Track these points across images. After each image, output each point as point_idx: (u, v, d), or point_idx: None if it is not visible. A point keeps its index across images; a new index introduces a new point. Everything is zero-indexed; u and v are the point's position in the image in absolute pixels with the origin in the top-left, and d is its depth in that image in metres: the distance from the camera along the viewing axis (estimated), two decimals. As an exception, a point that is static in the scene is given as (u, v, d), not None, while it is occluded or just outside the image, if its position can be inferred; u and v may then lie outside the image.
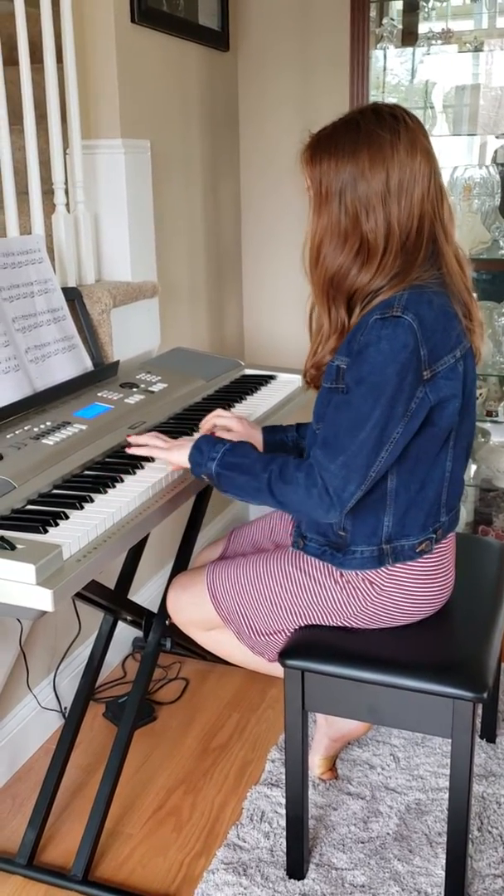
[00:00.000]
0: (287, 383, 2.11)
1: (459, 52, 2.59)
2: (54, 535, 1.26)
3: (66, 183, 1.94)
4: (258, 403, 1.94)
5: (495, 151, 2.70)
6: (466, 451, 1.49)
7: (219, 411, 1.69)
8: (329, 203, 1.36)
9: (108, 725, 2.11)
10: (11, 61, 1.83)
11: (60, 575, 1.18)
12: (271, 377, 2.13)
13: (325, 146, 1.36)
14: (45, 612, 1.17)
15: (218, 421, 1.66)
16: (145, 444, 1.50)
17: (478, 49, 2.54)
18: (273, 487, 1.38)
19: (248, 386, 2.04)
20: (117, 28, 2.00)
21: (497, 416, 2.65)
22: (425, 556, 1.48)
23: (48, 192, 1.94)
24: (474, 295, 1.46)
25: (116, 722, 2.07)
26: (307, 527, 1.53)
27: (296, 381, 2.10)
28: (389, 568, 1.47)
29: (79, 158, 1.95)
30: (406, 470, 1.41)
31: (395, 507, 1.43)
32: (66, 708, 2.04)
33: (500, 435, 2.76)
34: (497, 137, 2.66)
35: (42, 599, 1.14)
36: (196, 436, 1.49)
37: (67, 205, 1.96)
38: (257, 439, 1.67)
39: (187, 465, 1.46)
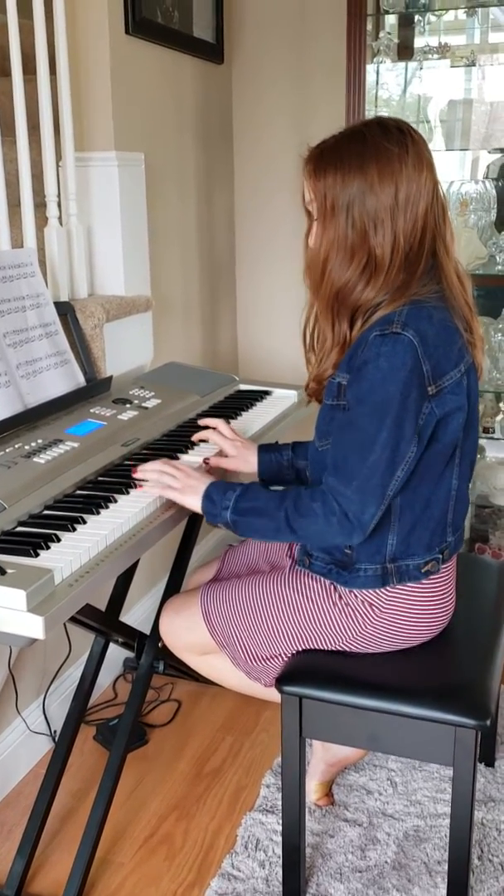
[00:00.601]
0: (282, 399, 2.08)
1: (452, 66, 2.59)
2: (45, 558, 1.22)
3: (58, 196, 1.91)
4: (254, 420, 1.90)
5: (487, 166, 2.69)
6: (471, 469, 1.46)
7: (219, 424, 1.66)
8: (335, 217, 1.33)
9: (98, 749, 2.06)
10: (3, 72, 1.80)
11: (52, 601, 1.14)
12: (266, 392, 2.10)
13: (330, 159, 1.33)
14: (35, 640, 1.13)
15: (213, 437, 1.64)
16: (156, 479, 1.44)
17: (470, 64, 2.54)
18: (292, 523, 1.36)
19: (243, 402, 2.01)
20: (111, 39, 1.98)
21: (493, 432, 2.63)
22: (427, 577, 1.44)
23: (40, 205, 1.91)
24: (474, 310, 1.44)
25: (107, 745, 2.02)
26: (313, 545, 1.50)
27: (291, 396, 2.08)
28: (390, 589, 1.44)
29: (72, 171, 1.92)
30: (411, 488, 1.38)
31: (400, 526, 1.40)
32: (55, 731, 2.00)
33: (496, 451, 2.74)
34: (490, 152, 2.66)
35: (33, 626, 1.10)
36: (204, 483, 1.43)
37: (60, 218, 1.93)
38: (252, 461, 1.64)
39: (199, 510, 1.42)
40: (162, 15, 2.22)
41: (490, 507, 2.74)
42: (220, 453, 1.64)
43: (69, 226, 1.95)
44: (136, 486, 1.45)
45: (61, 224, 1.93)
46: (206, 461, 1.61)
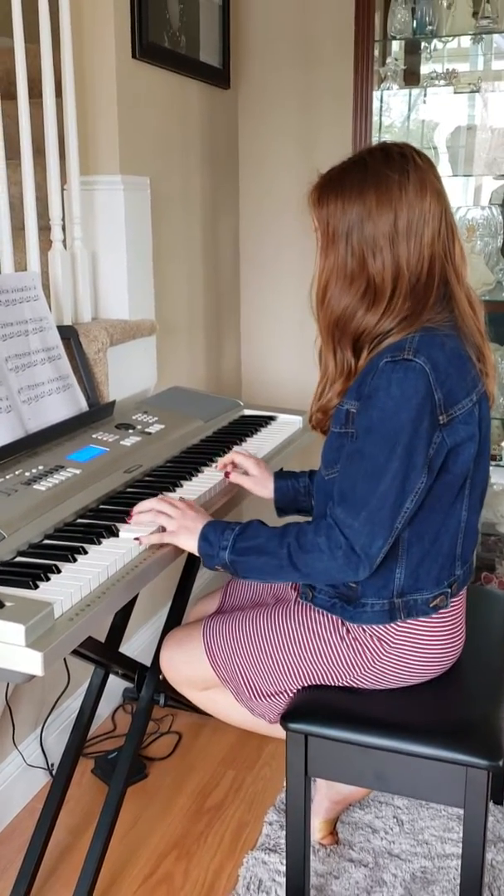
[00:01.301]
0: (287, 424, 2.05)
1: (455, 92, 2.59)
2: (45, 590, 1.18)
3: (63, 219, 1.89)
4: (259, 445, 1.87)
5: (493, 192, 2.68)
6: (481, 501, 1.42)
7: (238, 449, 1.66)
8: (336, 244, 1.31)
9: (96, 783, 2.00)
10: (9, 96, 1.79)
11: (51, 635, 1.09)
12: (271, 418, 2.07)
13: (333, 187, 1.32)
14: (33, 677, 1.09)
15: (237, 459, 1.63)
16: (150, 520, 1.38)
17: (475, 90, 2.54)
18: (295, 561, 1.31)
19: (247, 427, 1.98)
20: (118, 63, 1.97)
21: (501, 459, 2.59)
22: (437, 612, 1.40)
23: (45, 229, 1.90)
24: (487, 338, 1.41)
25: (106, 779, 1.97)
26: None
27: (296, 422, 2.05)
28: (399, 624, 1.40)
29: (77, 194, 1.90)
30: (419, 519, 1.34)
31: (408, 559, 1.36)
32: (52, 765, 1.95)
33: (502, 478, 2.70)
34: (495, 178, 2.65)
35: (31, 663, 1.06)
36: (200, 522, 1.38)
37: (64, 241, 1.91)
38: (269, 486, 1.62)
39: (196, 552, 1.37)
40: (169, 39, 2.22)
41: (496, 536, 2.70)
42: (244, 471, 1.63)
43: (73, 249, 1.93)
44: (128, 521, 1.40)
45: (65, 247, 1.91)
46: (227, 474, 1.60)
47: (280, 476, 1.64)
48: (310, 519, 1.65)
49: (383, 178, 1.29)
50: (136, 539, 1.33)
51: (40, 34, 1.79)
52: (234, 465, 1.64)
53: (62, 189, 1.89)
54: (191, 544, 1.37)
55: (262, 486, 1.63)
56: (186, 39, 2.32)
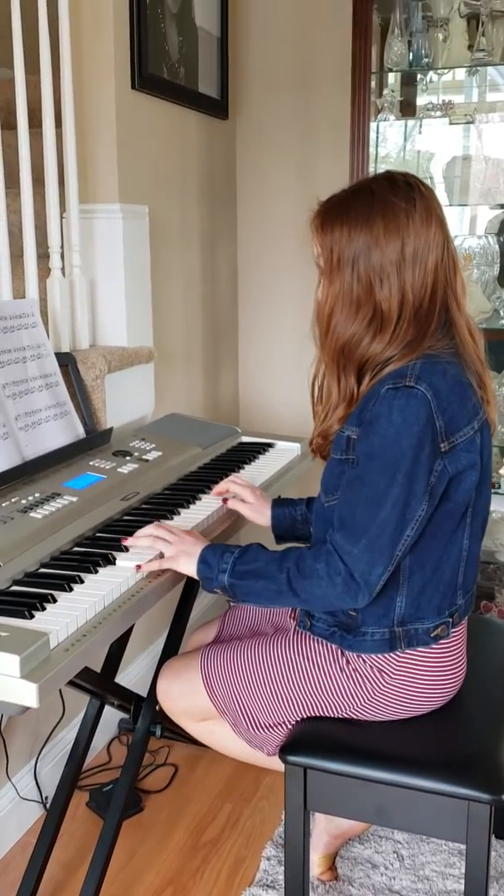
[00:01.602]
0: (285, 451, 2.04)
1: (450, 123, 2.62)
2: (41, 620, 1.16)
3: (62, 247, 1.90)
4: (257, 473, 1.86)
5: (489, 222, 2.70)
6: (482, 529, 1.41)
7: (234, 477, 1.65)
8: (341, 271, 1.31)
9: (91, 816, 1.97)
10: (9, 126, 1.80)
11: (47, 666, 1.07)
12: (269, 445, 2.06)
13: (337, 213, 1.32)
14: (28, 708, 1.07)
15: (232, 487, 1.62)
16: (148, 545, 1.37)
17: (469, 122, 2.57)
18: (294, 586, 1.30)
19: (245, 454, 1.97)
20: (118, 94, 1.98)
21: (500, 487, 2.58)
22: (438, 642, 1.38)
23: (43, 256, 1.90)
24: (487, 365, 1.41)
25: (101, 812, 1.93)
26: None
27: (294, 449, 2.04)
28: (400, 654, 1.38)
29: (76, 222, 1.91)
30: (421, 547, 1.33)
31: (409, 588, 1.35)
32: (46, 798, 1.91)
33: (502, 506, 2.69)
34: (491, 208, 2.67)
35: (26, 694, 1.04)
36: (199, 546, 1.37)
37: (63, 269, 1.91)
38: (266, 514, 1.62)
39: (195, 575, 1.36)
40: (168, 70, 2.24)
41: (496, 564, 2.68)
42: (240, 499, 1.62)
43: (72, 277, 1.94)
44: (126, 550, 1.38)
45: (64, 275, 1.92)
46: (224, 501, 1.58)
47: (277, 503, 1.64)
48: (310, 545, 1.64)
49: (390, 205, 1.29)
50: (136, 566, 1.32)
51: (41, 65, 1.81)
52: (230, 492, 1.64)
53: (61, 217, 1.90)
54: (190, 568, 1.36)
55: (258, 514, 1.62)
56: (185, 71, 2.35)
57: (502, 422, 2.51)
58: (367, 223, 1.29)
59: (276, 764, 1.46)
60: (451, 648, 1.40)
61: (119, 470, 1.70)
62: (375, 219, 1.28)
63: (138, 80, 2.06)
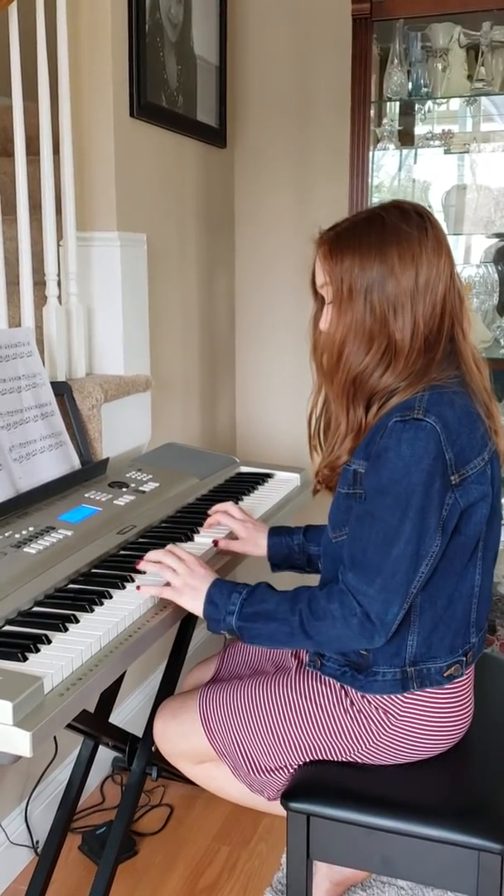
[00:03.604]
0: (285, 482, 2.00)
1: (447, 153, 2.62)
2: (35, 662, 1.11)
3: (58, 275, 1.87)
4: (256, 504, 1.82)
5: (485, 251, 2.69)
6: (493, 563, 1.37)
7: (228, 507, 1.60)
8: (353, 301, 1.27)
9: (84, 861, 1.90)
10: (7, 153, 1.78)
11: (40, 712, 1.03)
12: (268, 475, 2.02)
13: (347, 242, 1.28)
14: (20, 757, 1.02)
15: (223, 520, 1.58)
16: (155, 570, 1.35)
17: (465, 151, 2.58)
18: (307, 628, 1.25)
19: (244, 485, 1.93)
20: (116, 122, 1.97)
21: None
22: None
23: (40, 284, 1.87)
24: (493, 396, 1.38)
25: (94, 857, 1.87)
26: None
27: (294, 479, 2.00)
28: (407, 696, 1.33)
29: (73, 250, 1.89)
30: (432, 584, 1.29)
31: (421, 625, 1.30)
32: (38, 842, 1.85)
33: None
34: (488, 237, 2.66)
35: (19, 743, 0.99)
36: (206, 582, 1.33)
37: (59, 297, 1.88)
38: (262, 544, 1.57)
39: (200, 614, 1.32)
40: (166, 99, 2.23)
41: (497, 597, 2.64)
42: (230, 535, 1.57)
43: (69, 305, 1.91)
44: (132, 580, 1.35)
45: (60, 303, 1.89)
46: (215, 542, 1.53)
47: (274, 532, 1.59)
48: (305, 575, 1.60)
49: (404, 234, 1.26)
50: (138, 587, 1.29)
51: (39, 93, 1.79)
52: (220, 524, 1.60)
53: (58, 245, 1.88)
54: (195, 606, 1.31)
55: (253, 545, 1.58)
56: (184, 99, 2.34)
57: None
58: (381, 252, 1.26)
59: (277, 809, 1.41)
60: (459, 688, 1.36)
61: (115, 502, 1.66)
62: (390, 248, 1.26)
63: (137, 108, 2.05)
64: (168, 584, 1.33)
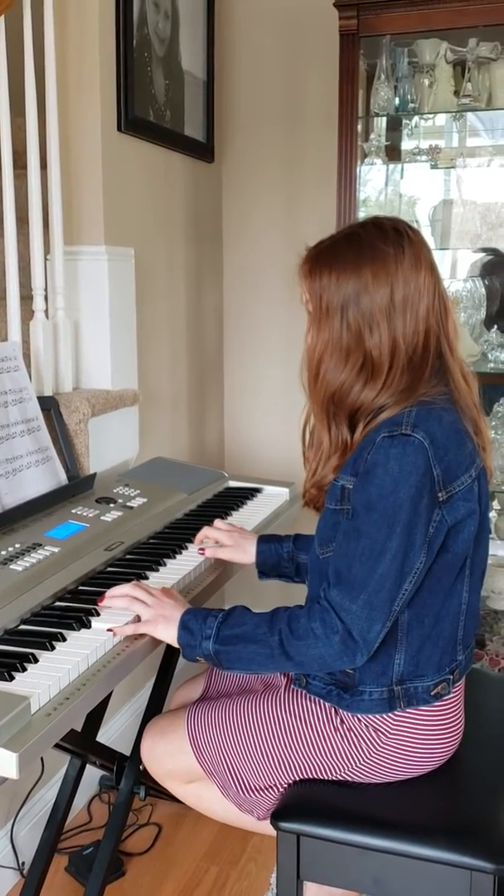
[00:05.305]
0: (273, 496, 1.99)
1: (433, 168, 2.64)
2: (21, 682, 1.10)
3: (46, 289, 1.86)
4: (245, 519, 1.81)
5: (471, 265, 2.71)
6: (481, 581, 1.37)
7: (217, 523, 1.61)
8: (330, 318, 1.28)
9: (70, 882, 1.87)
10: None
11: (27, 733, 1.01)
12: (257, 490, 2.01)
13: (326, 260, 1.29)
14: (6, 779, 1.00)
15: (209, 532, 1.57)
16: (123, 606, 1.29)
17: (451, 166, 2.59)
18: (288, 649, 1.23)
19: (232, 500, 1.92)
20: (103, 136, 1.97)
21: (490, 533, 2.54)
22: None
23: (27, 298, 1.86)
24: (482, 411, 1.38)
25: (81, 878, 1.84)
26: None
27: (283, 494, 2.00)
28: (396, 714, 1.32)
29: (60, 264, 1.88)
30: (419, 601, 1.28)
31: (408, 644, 1.29)
32: (23, 864, 1.82)
33: (493, 551, 2.65)
34: (474, 251, 2.68)
35: (5, 764, 0.98)
36: (179, 610, 1.29)
37: (47, 311, 1.87)
38: (250, 551, 1.56)
39: (175, 643, 1.28)
40: (154, 113, 2.23)
41: (486, 611, 2.63)
42: (216, 543, 1.57)
43: (56, 319, 1.90)
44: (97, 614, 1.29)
45: (48, 317, 1.88)
46: (201, 550, 1.53)
47: (263, 539, 1.59)
48: (292, 588, 1.59)
49: (379, 252, 1.26)
50: (110, 630, 1.24)
51: (26, 107, 1.79)
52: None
53: (45, 259, 1.87)
54: (169, 634, 1.28)
55: (241, 552, 1.56)
56: (171, 114, 2.34)
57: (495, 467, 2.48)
58: (356, 270, 1.26)
59: (266, 828, 1.40)
60: (449, 706, 1.34)
61: (103, 518, 1.64)
62: (364, 265, 1.26)
63: (124, 122, 2.05)
64: (138, 619, 1.29)
